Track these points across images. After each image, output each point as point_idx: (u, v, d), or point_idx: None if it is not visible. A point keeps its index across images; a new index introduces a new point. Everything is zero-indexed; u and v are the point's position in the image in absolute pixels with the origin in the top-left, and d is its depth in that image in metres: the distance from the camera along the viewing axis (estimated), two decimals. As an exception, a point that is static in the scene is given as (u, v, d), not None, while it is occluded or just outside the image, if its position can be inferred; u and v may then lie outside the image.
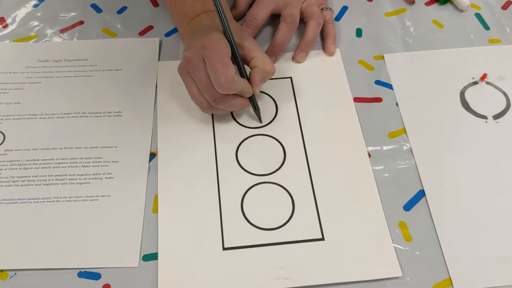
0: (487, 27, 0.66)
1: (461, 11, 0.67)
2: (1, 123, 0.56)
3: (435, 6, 0.68)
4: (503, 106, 0.58)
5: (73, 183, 0.51)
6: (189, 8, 0.56)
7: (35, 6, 0.68)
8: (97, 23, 0.66)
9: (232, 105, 0.52)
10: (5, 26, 0.66)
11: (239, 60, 0.52)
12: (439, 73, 0.61)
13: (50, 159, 0.53)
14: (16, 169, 0.52)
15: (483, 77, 0.60)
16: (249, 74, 0.53)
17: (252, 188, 0.52)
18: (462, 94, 0.59)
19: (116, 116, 0.57)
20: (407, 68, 0.61)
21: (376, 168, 0.53)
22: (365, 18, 0.67)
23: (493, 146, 0.54)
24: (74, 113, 0.57)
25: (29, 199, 0.50)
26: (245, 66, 0.53)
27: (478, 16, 0.67)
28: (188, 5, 0.57)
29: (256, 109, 0.55)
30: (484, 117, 0.57)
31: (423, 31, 0.65)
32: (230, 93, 0.50)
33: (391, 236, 0.48)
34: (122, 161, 0.53)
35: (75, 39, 0.64)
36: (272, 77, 0.60)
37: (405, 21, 0.67)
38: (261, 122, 0.56)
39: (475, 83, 0.60)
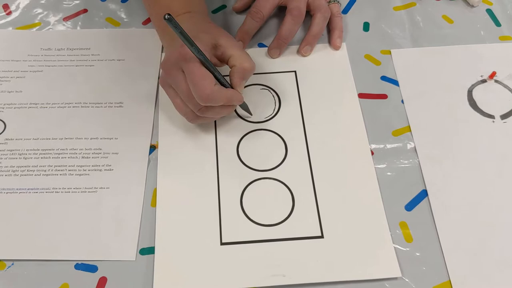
0: (498, 24, 0.64)
1: (472, 6, 0.66)
2: (2, 111, 0.56)
3: (445, 0, 0.67)
4: (511, 105, 0.56)
5: (72, 174, 0.51)
6: (165, 10, 0.52)
7: (39, -7, 0.67)
8: (101, 11, 0.65)
9: (219, 112, 0.50)
10: (9, 13, 0.65)
11: (215, 71, 0.48)
12: (447, 70, 0.59)
13: (50, 149, 0.53)
14: (16, 158, 0.52)
15: (492, 75, 0.59)
16: (229, 75, 0.50)
17: (252, 184, 0.51)
18: (469, 92, 0.58)
19: (118, 107, 0.56)
20: (414, 64, 0.60)
21: (379, 166, 0.52)
22: (373, 11, 0.66)
23: (499, 147, 0.53)
24: (75, 103, 0.56)
25: (28, 189, 0.50)
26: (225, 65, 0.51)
27: (489, 12, 0.65)
28: (164, 5, 0.54)
29: (251, 115, 0.55)
30: (492, 116, 0.56)
31: (432, 26, 0.64)
32: (213, 104, 0.48)
33: (391, 236, 0.48)
34: (122, 153, 0.53)
35: (78, 28, 0.64)
36: (276, 71, 0.59)
37: (414, 15, 0.65)
38: (251, 114, 0.56)
39: (484, 81, 0.59)
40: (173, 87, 0.49)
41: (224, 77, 0.50)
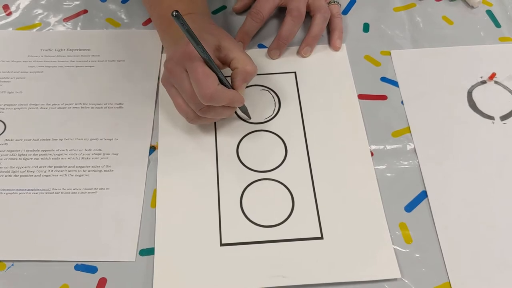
0: (498, 25, 0.64)
1: (472, 7, 0.66)
2: (2, 112, 0.56)
3: (445, 1, 0.67)
4: (511, 107, 0.57)
5: (72, 175, 0.51)
6: (167, 11, 0.52)
7: (40, -7, 0.67)
8: (101, 12, 0.66)
9: (220, 113, 0.50)
10: (9, 14, 0.65)
11: (219, 72, 0.48)
12: (446, 71, 0.59)
13: (50, 150, 0.53)
14: (16, 159, 0.52)
15: (492, 76, 0.59)
16: (230, 77, 0.51)
17: (252, 185, 0.51)
18: (469, 93, 0.58)
19: (117, 108, 0.56)
20: (414, 65, 0.60)
21: (379, 167, 0.52)
22: (373, 12, 0.66)
23: (499, 148, 0.53)
24: (75, 104, 0.56)
25: (28, 190, 0.50)
26: (227, 68, 0.51)
27: (489, 13, 0.65)
28: (166, 7, 0.54)
29: (250, 118, 0.55)
30: (491, 117, 0.56)
31: (432, 27, 0.64)
32: (215, 104, 0.48)
33: (391, 237, 0.48)
34: (122, 154, 0.53)
35: (78, 28, 0.64)
36: (276, 72, 0.59)
37: (414, 16, 0.65)
38: (250, 117, 0.56)
39: (484, 82, 0.59)
40: (175, 86, 0.49)
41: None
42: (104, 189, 0.50)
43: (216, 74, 0.47)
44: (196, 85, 0.46)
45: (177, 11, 0.41)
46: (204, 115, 0.49)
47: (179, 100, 0.50)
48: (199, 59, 0.46)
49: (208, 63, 0.47)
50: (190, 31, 0.43)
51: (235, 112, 0.56)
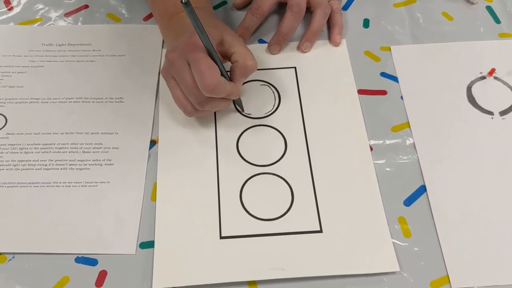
0: (498, 21, 0.64)
1: (472, 3, 0.66)
2: (4, 106, 0.56)
3: (445, -3, 0.67)
4: (510, 102, 0.57)
5: (73, 169, 0.52)
6: (170, 4, 0.52)
7: (41, -12, 0.68)
8: (102, 7, 0.66)
9: (217, 105, 0.50)
10: (10, 9, 0.65)
11: (220, 65, 0.48)
12: (446, 66, 0.60)
13: (51, 144, 0.53)
14: (17, 153, 0.53)
15: (491, 72, 0.59)
16: (230, 70, 0.51)
17: (252, 179, 0.51)
18: (469, 89, 0.58)
19: (118, 102, 0.56)
20: (414, 60, 0.60)
21: (378, 162, 0.52)
22: (373, 8, 0.66)
23: (498, 143, 0.53)
24: (76, 98, 0.57)
25: (29, 183, 0.51)
26: (227, 62, 0.52)
27: (489, 9, 0.65)
28: (170, 2, 0.54)
29: (243, 111, 0.56)
30: (491, 113, 0.56)
31: (432, 23, 0.64)
32: (216, 96, 0.48)
33: (390, 231, 0.48)
34: (122, 148, 0.53)
35: (79, 23, 0.64)
36: (276, 67, 0.60)
37: (414, 12, 0.65)
38: (243, 110, 0.56)
39: (483, 77, 0.59)
40: (176, 78, 0.49)
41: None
42: (104, 182, 0.51)
43: (218, 66, 0.47)
44: (198, 76, 0.46)
45: None
46: (202, 108, 0.50)
47: (178, 92, 0.50)
48: (203, 50, 0.46)
49: (211, 54, 0.47)
50: (197, 20, 0.43)
51: (235, 106, 0.56)
